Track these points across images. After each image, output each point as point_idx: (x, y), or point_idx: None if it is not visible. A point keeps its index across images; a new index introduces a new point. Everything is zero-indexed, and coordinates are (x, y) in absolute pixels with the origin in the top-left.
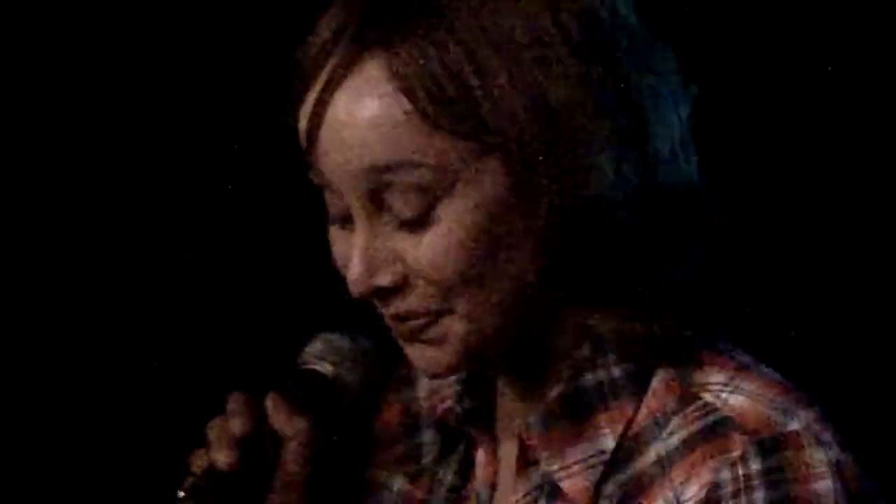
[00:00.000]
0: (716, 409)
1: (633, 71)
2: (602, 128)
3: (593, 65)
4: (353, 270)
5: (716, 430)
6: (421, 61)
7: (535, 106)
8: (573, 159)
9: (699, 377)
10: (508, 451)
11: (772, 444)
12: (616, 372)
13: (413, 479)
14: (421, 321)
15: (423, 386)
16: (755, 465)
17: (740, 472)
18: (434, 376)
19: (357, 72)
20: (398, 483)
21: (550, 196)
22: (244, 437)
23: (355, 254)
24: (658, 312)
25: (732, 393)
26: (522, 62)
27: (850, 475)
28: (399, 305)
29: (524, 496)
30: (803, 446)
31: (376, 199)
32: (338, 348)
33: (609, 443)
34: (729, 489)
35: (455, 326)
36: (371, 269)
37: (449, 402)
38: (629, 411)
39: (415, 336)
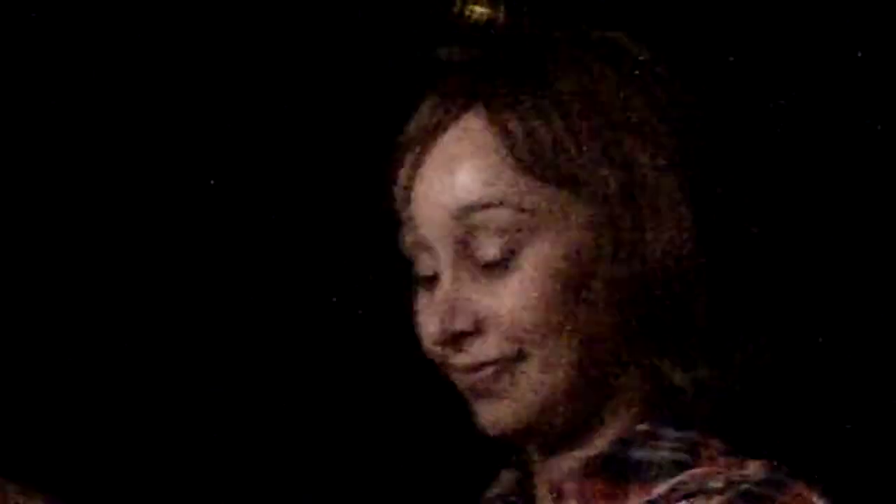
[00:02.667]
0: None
1: (710, 150)
2: (681, 194)
3: (680, 140)
4: (434, 316)
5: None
6: (520, 116)
7: (622, 168)
8: (654, 218)
9: (736, 471)
10: None
11: None
12: (665, 455)
13: None
14: (494, 369)
15: None
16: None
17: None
18: (500, 434)
19: (460, 122)
20: None
21: (631, 249)
22: None
23: (438, 299)
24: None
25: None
26: (615, 128)
27: None
28: (473, 353)
29: None
30: None
31: (464, 247)
32: None
33: None
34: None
35: (529, 373)
36: (451, 315)
37: (496, 491)
38: (661, 490)
39: (486, 388)
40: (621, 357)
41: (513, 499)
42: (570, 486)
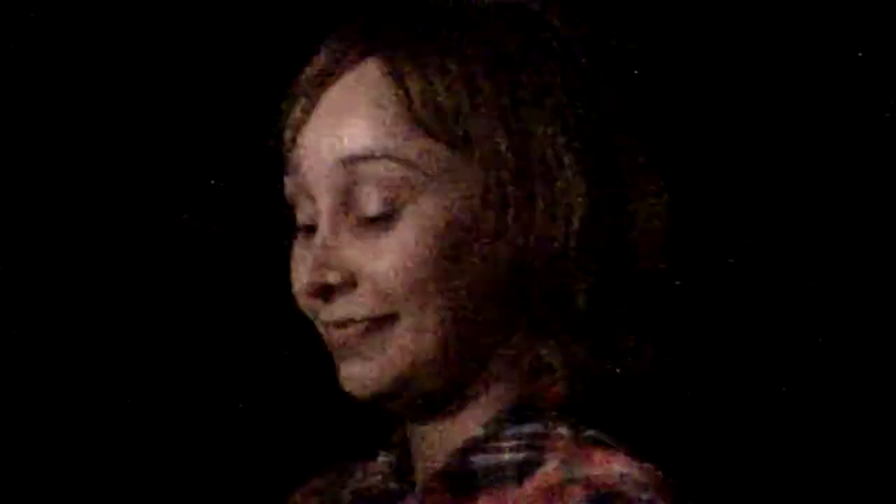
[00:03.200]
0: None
1: (614, 132)
2: (577, 172)
3: (583, 118)
4: (307, 266)
5: None
6: (420, 69)
7: (519, 137)
8: (546, 193)
9: (581, 471)
10: None
11: None
12: (506, 457)
13: None
14: (362, 327)
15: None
16: None
17: None
18: (363, 398)
19: (356, 68)
20: None
21: (518, 221)
22: None
23: (314, 248)
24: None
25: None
26: (516, 97)
27: None
28: (343, 308)
29: None
30: None
31: (346, 198)
32: None
33: None
34: None
35: (396, 334)
36: (323, 267)
37: (375, 480)
38: (508, 498)
39: (352, 346)
40: (497, 330)
41: (391, 486)
42: None
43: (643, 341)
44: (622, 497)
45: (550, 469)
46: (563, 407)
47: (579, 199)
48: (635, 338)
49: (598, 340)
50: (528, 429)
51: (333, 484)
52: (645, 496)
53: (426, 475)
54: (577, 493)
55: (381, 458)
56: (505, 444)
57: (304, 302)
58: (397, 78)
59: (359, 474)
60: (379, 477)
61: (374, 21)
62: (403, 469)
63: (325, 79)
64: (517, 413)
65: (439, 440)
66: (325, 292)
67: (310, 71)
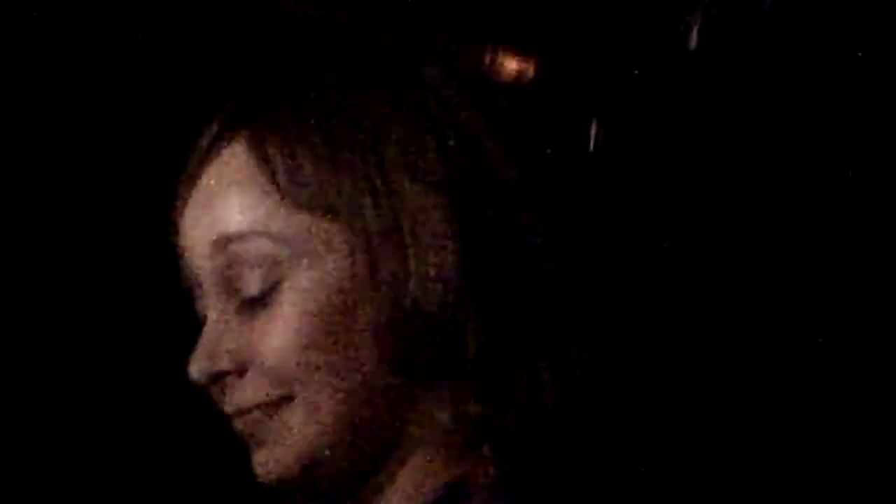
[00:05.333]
0: None
1: (488, 185)
2: (449, 226)
3: (454, 170)
4: (196, 353)
5: None
6: (282, 141)
7: (386, 197)
8: (418, 252)
9: None
10: None
11: None
12: None
13: None
14: (259, 413)
15: None
16: None
17: None
18: (272, 483)
19: (225, 149)
20: None
21: (392, 282)
22: None
23: (201, 337)
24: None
25: None
26: (382, 157)
27: None
28: (238, 396)
29: None
30: None
31: (228, 281)
32: None
33: None
34: None
35: (294, 416)
36: (214, 353)
37: None
38: None
39: (253, 434)
40: (399, 397)
41: None
42: None
43: (539, 380)
44: None
45: None
46: (496, 484)
47: (451, 251)
48: (529, 378)
49: (492, 391)
50: None
51: None
52: None
53: None
54: None
55: None
56: None
57: (207, 392)
58: (260, 153)
59: None
60: None
61: (241, 102)
62: None
63: (199, 166)
64: (443, 499)
65: None
66: (219, 381)
67: (189, 160)
